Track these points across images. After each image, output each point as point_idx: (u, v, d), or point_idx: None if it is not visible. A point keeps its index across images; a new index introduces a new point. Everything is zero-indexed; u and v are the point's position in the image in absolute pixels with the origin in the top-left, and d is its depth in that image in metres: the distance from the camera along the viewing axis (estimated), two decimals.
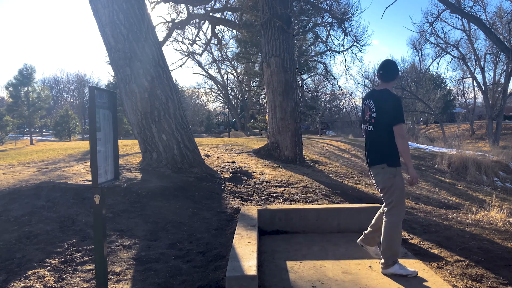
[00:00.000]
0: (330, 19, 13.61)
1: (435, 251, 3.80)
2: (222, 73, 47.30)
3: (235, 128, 52.87)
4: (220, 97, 56.36)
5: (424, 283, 3.01)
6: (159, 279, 3.03)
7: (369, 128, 3.32)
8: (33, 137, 41.74)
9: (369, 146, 3.35)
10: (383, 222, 3.23)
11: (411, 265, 3.38)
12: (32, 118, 38.24)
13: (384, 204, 3.31)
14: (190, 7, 13.05)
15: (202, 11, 13.51)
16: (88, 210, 4.27)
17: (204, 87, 57.36)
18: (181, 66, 33.93)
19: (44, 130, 61.01)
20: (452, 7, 12.67)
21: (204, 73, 48.98)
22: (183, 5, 13.39)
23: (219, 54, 35.51)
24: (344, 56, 47.75)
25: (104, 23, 6.14)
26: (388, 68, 3.33)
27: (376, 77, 3.39)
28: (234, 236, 3.44)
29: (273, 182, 6.36)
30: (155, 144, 6.29)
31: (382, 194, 3.29)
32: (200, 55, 40.01)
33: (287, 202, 5.30)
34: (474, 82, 38.24)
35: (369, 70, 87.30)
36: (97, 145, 2.30)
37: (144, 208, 4.55)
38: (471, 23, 31.20)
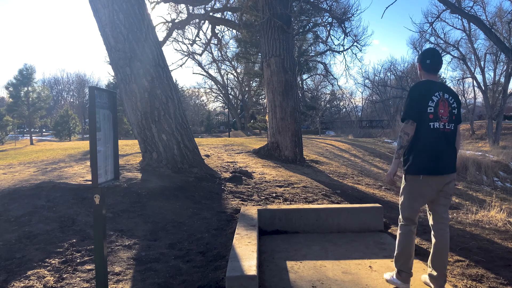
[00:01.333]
0: (330, 19, 13.62)
1: None
2: (222, 73, 47.34)
3: (235, 128, 52.85)
4: (220, 97, 56.40)
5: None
6: (159, 279, 3.03)
7: (449, 126, 2.82)
8: (33, 137, 41.74)
9: (447, 148, 2.82)
10: (446, 232, 2.88)
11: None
12: (32, 118, 38.27)
13: (444, 213, 2.91)
14: (190, 7, 13.05)
15: (202, 11, 13.51)
16: (88, 210, 4.27)
17: (204, 87, 57.44)
18: (181, 66, 33.94)
19: (44, 130, 61.02)
20: (452, 7, 12.68)
21: (204, 73, 49.03)
22: (183, 5, 13.39)
23: (219, 54, 35.58)
24: (344, 56, 47.79)
25: (104, 23, 6.14)
26: (436, 57, 2.93)
27: (420, 68, 2.94)
28: (234, 236, 3.44)
29: (273, 182, 6.36)
30: (155, 144, 6.29)
31: (445, 205, 2.91)
32: (200, 55, 40.08)
33: (287, 202, 5.30)
34: (474, 82, 38.21)
35: (369, 70, 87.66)
36: (97, 145, 2.30)
37: (144, 208, 4.55)
38: (471, 23, 31.19)
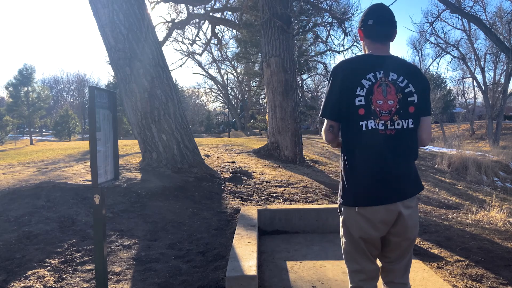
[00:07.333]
0: (330, 19, 13.61)
1: (435, 251, 3.80)
2: (222, 73, 47.34)
3: (235, 128, 52.85)
4: (220, 97, 56.39)
5: (424, 283, 3.01)
6: (159, 279, 3.03)
7: (397, 125, 1.84)
8: (33, 137, 41.74)
9: (394, 161, 1.87)
10: None
11: (411, 265, 3.37)
12: (32, 118, 38.29)
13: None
14: (190, 7, 13.06)
15: (202, 11, 13.52)
16: (88, 210, 4.27)
17: (204, 87, 57.49)
18: (181, 66, 34.05)
19: (44, 130, 61.02)
20: (452, 7, 12.68)
21: (204, 73, 49.04)
22: (183, 5, 13.40)
23: (219, 54, 35.57)
24: (344, 56, 47.76)
25: (104, 23, 6.14)
26: (384, 14, 1.97)
27: None
28: (234, 236, 3.44)
29: (273, 182, 6.36)
30: (155, 144, 6.29)
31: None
32: (200, 55, 40.09)
33: (287, 202, 5.30)
34: (474, 82, 38.30)
35: None
36: (97, 145, 2.30)
37: (144, 208, 4.55)
38: (471, 23, 31.22)
